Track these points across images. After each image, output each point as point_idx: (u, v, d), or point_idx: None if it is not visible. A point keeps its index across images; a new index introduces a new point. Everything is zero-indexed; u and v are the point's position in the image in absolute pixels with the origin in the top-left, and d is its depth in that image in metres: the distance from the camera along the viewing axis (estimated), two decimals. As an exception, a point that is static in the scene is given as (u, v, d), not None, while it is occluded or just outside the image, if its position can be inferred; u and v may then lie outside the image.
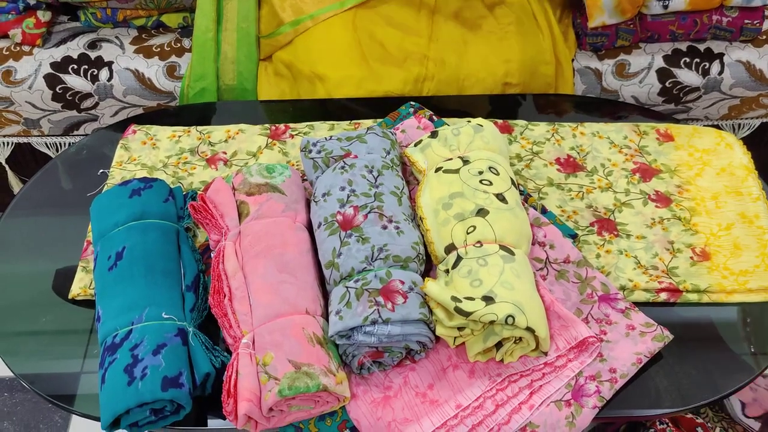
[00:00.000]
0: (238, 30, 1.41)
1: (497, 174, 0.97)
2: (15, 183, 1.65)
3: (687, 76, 1.46)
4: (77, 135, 1.54)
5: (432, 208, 0.95)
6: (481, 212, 0.92)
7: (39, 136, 1.55)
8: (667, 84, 1.46)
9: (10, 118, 1.50)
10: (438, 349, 0.91)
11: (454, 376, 0.89)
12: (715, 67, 1.46)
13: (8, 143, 1.57)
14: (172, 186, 1.11)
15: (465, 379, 0.89)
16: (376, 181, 0.97)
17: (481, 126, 1.03)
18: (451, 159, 1.00)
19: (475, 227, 0.91)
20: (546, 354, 0.89)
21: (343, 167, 0.98)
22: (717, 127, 1.59)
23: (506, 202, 0.94)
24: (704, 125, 1.57)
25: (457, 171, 0.97)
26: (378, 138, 1.03)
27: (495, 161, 0.99)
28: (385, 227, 0.91)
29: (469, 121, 1.05)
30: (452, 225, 0.93)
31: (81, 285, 1.00)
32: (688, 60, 1.46)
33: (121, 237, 0.96)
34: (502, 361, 0.89)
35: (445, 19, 1.34)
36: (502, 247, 0.90)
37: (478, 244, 0.90)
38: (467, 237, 0.91)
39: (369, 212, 0.92)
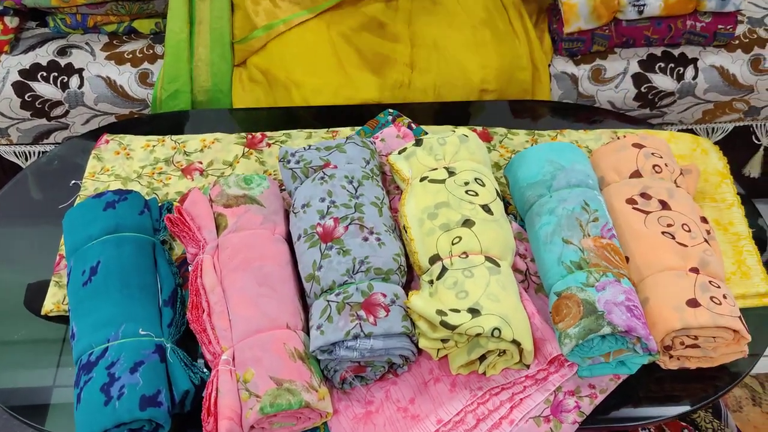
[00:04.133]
0: (211, 31, 1.39)
1: (483, 185, 0.96)
2: (-17, 192, 1.61)
3: (662, 81, 1.47)
4: (47, 143, 1.51)
5: (417, 217, 0.95)
6: (467, 223, 0.92)
7: (7, 144, 1.51)
8: (642, 89, 1.47)
9: (-23, 128, 1.47)
10: (420, 361, 0.91)
11: (435, 390, 0.89)
12: (690, 72, 1.48)
13: (-25, 153, 1.54)
14: (147, 197, 1.09)
15: (446, 392, 0.88)
16: (356, 191, 0.95)
17: (467, 136, 1.03)
18: (436, 169, 0.99)
19: (460, 238, 0.91)
20: (528, 367, 0.88)
21: (322, 178, 0.96)
22: (691, 131, 1.61)
23: (492, 214, 0.94)
24: (679, 129, 1.60)
25: (442, 181, 0.96)
26: (357, 147, 1.02)
27: (481, 172, 0.99)
28: (366, 239, 0.90)
29: (453, 131, 1.04)
30: (437, 235, 0.92)
31: (54, 300, 0.97)
32: (662, 65, 1.47)
33: (96, 251, 0.93)
34: (484, 373, 0.88)
35: (422, 25, 1.33)
36: (488, 259, 0.90)
37: (464, 255, 0.90)
38: (453, 247, 0.91)
39: (350, 224, 0.91)
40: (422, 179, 0.98)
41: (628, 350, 0.87)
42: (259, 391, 0.80)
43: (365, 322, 0.83)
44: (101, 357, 0.85)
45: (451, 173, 0.98)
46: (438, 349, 0.87)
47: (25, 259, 1.05)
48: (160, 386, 0.83)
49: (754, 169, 1.70)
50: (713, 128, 1.60)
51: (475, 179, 0.97)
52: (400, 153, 1.04)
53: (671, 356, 0.91)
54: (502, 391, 0.88)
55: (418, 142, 1.03)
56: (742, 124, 1.60)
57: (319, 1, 1.32)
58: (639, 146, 1.05)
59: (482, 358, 0.87)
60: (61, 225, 1.01)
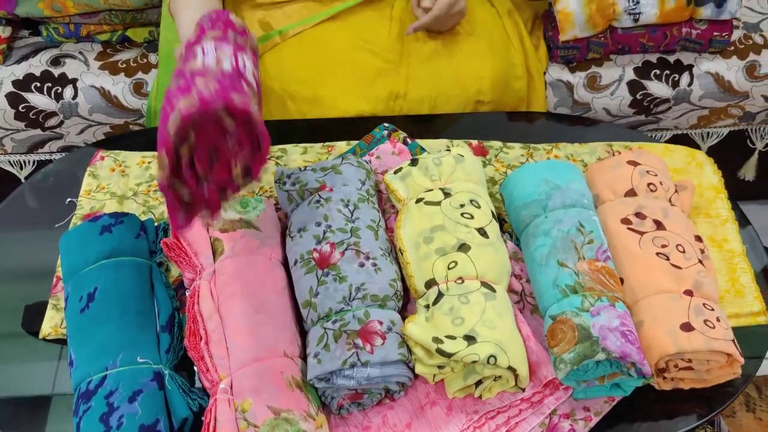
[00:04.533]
0: None
1: (478, 207, 0.97)
2: (-22, 201, 1.61)
3: (657, 88, 1.47)
4: (42, 153, 1.51)
5: (413, 241, 0.95)
6: (463, 247, 0.92)
7: (2, 154, 1.51)
8: (637, 96, 1.47)
9: (-29, 137, 1.47)
10: (416, 385, 0.91)
11: (431, 413, 0.89)
12: (685, 78, 1.48)
13: (-30, 162, 1.54)
14: (143, 215, 1.09)
15: (442, 416, 0.89)
16: (352, 215, 0.96)
17: (462, 156, 1.03)
18: (432, 190, 1.00)
19: (456, 263, 0.91)
20: (523, 390, 0.89)
21: (318, 201, 0.96)
22: (686, 136, 1.61)
23: (488, 237, 0.94)
24: (674, 135, 1.60)
25: (438, 203, 0.97)
26: (353, 168, 1.02)
27: (476, 194, 0.99)
28: (362, 265, 0.91)
29: (449, 149, 1.04)
30: (433, 260, 0.92)
31: (52, 324, 0.98)
32: (658, 72, 1.47)
33: (93, 277, 0.93)
34: (480, 397, 0.89)
35: (417, 35, 1.33)
36: (484, 284, 0.90)
37: (460, 281, 0.90)
38: (448, 272, 0.91)
39: (346, 249, 0.91)
40: (418, 200, 0.99)
41: (623, 374, 0.88)
42: (257, 420, 0.81)
43: (362, 350, 0.84)
44: (100, 386, 0.85)
45: (447, 194, 0.98)
46: (434, 374, 0.87)
47: (22, 279, 1.05)
48: (158, 415, 0.84)
49: (748, 172, 1.70)
50: (708, 133, 1.61)
51: (471, 201, 0.97)
52: (395, 173, 1.04)
53: (665, 378, 0.92)
54: (498, 414, 0.89)
55: (414, 162, 1.03)
56: (737, 128, 1.61)
57: (314, 12, 1.31)
58: (634, 164, 1.06)
59: (478, 382, 0.88)
60: (58, 245, 1.01)
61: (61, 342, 0.97)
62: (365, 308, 0.87)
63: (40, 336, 0.97)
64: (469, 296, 0.89)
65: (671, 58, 1.49)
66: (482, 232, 0.94)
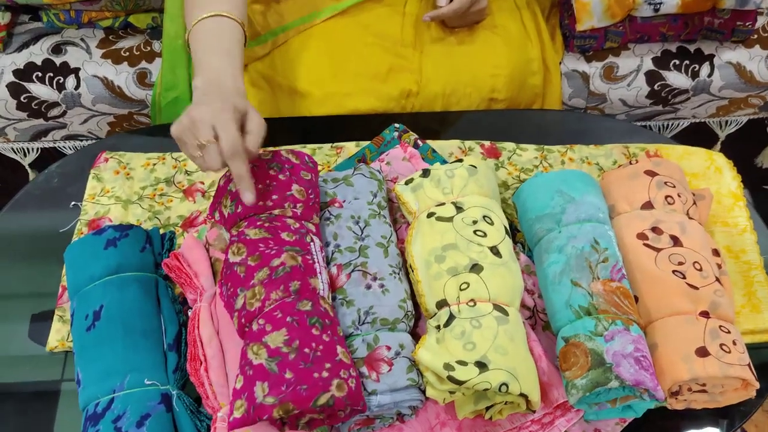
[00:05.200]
0: None
1: (491, 224, 0.94)
2: (-18, 187, 1.60)
3: (676, 79, 1.43)
4: (46, 141, 1.48)
5: (424, 259, 0.93)
6: (475, 268, 0.90)
7: (5, 142, 1.49)
8: (655, 87, 1.43)
9: (-27, 127, 1.44)
10: (427, 406, 0.90)
11: (442, 435, 0.89)
12: (705, 69, 1.43)
13: (-27, 149, 1.51)
14: (149, 221, 1.07)
15: (453, 437, 0.89)
16: (362, 232, 0.94)
17: (475, 168, 1.00)
18: (444, 204, 0.97)
19: (468, 284, 0.89)
20: (534, 412, 0.88)
21: (328, 219, 0.94)
22: (704, 125, 1.57)
23: (501, 256, 0.92)
24: (691, 123, 1.56)
25: (450, 219, 0.94)
26: (365, 179, 0.99)
27: (489, 208, 0.96)
28: (369, 287, 0.89)
29: (461, 160, 1.01)
30: (445, 280, 0.90)
31: (58, 337, 0.97)
32: (677, 62, 1.43)
33: (98, 294, 0.92)
34: (490, 418, 0.88)
35: (430, 29, 1.28)
36: (496, 307, 0.88)
37: (472, 303, 0.88)
38: (460, 294, 0.89)
39: (352, 271, 0.89)
40: (429, 215, 0.96)
41: (636, 397, 0.87)
42: (258, 452, 0.80)
43: (368, 379, 0.82)
44: (107, 409, 0.85)
45: (459, 209, 0.96)
46: (444, 398, 0.86)
47: (27, 286, 1.04)
48: (167, 439, 0.83)
49: (766, 159, 1.67)
50: (727, 121, 1.57)
51: (484, 217, 0.95)
52: (407, 183, 1.01)
53: (677, 399, 0.90)
54: (508, 436, 0.89)
55: (426, 173, 1.00)
56: (756, 117, 1.56)
57: (324, 6, 1.27)
58: (651, 174, 1.03)
59: (489, 406, 0.87)
60: (63, 251, 0.99)
61: (68, 354, 0.96)
62: (375, 332, 0.86)
63: (47, 349, 0.96)
64: (481, 320, 0.87)
65: (691, 48, 1.44)
66: (495, 251, 0.92)
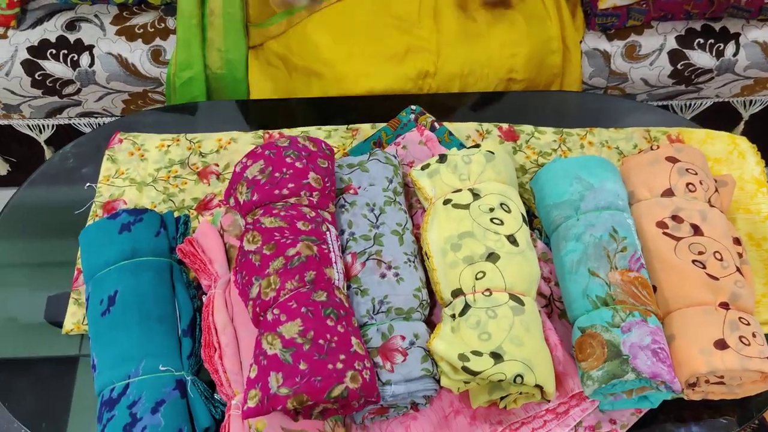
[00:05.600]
0: (224, 15, 1.31)
1: (509, 212, 0.93)
2: (0, 164, 1.60)
3: (700, 58, 1.39)
4: (61, 118, 1.48)
5: (440, 247, 0.92)
6: (492, 257, 0.89)
7: (20, 119, 1.48)
8: (678, 66, 1.40)
9: (-12, 104, 1.44)
10: (440, 394, 0.90)
11: (455, 423, 0.89)
12: (730, 48, 1.39)
13: (-11, 125, 1.51)
14: (163, 204, 1.07)
15: (466, 426, 0.88)
16: (377, 220, 0.93)
17: (493, 154, 0.98)
18: (460, 190, 0.96)
19: (484, 273, 0.88)
20: (549, 401, 0.88)
21: (343, 206, 0.93)
22: (727, 104, 1.53)
23: (517, 245, 0.90)
24: (714, 102, 1.52)
25: (467, 206, 0.93)
26: (380, 165, 0.98)
27: (506, 195, 0.95)
28: (383, 275, 0.88)
29: (478, 145, 1.00)
30: (461, 269, 0.89)
31: (74, 320, 0.97)
32: (701, 41, 1.39)
33: (113, 279, 0.92)
34: (505, 407, 0.88)
35: (449, 8, 1.25)
36: (512, 297, 0.87)
37: (488, 292, 0.87)
38: (476, 283, 0.88)
39: (367, 259, 0.89)
40: (446, 202, 0.95)
41: (652, 388, 0.86)
42: (271, 442, 0.80)
43: (382, 369, 0.82)
44: (123, 394, 0.85)
45: (476, 196, 0.94)
46: (459, 387, 0.86)
47: (43, 268, 1.05)
48: (181, 425, 0.84)
49: (790, 140, 1.63)
50: (751, 101, 1.53)
51: (501, 204, 0.93)
52: (423, 169, 1.00)
53: (694, 390, 0.90)
54: (522, 426, 0.88)
55: (442, 158, 0.99)
56: (781, 96, 1.53)
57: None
58: (673, 160, 1.01)
59: (503, 396, 0.86)
60: (78, 233, 0.99)
61: (83, 337, 0.97)
62: (389, 322, 0.86)
63: (63, 331, 0.97)
64: (496, 310, 0.86)
65: (716, 26, 1.40)
66: (512, 239, 0.91)
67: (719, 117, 1.55)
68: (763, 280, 1.01)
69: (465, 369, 0.82)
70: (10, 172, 1.63)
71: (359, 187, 0.96)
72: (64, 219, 1.07)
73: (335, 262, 0.85)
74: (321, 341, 0.77)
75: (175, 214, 1.04)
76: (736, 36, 1.39)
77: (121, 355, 0.87)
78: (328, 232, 0.87)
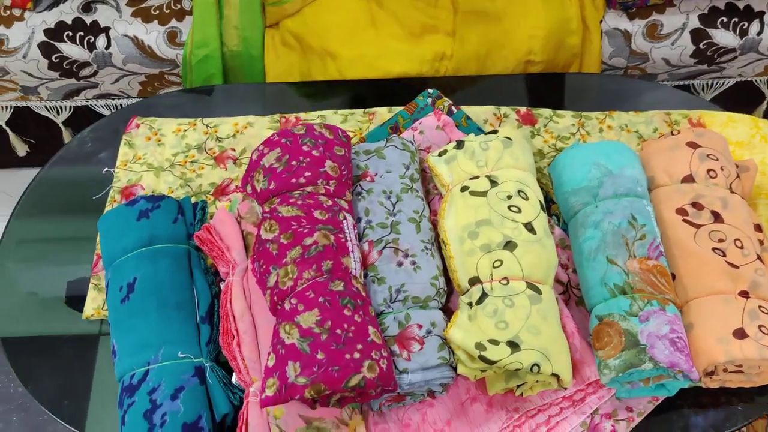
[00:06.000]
0: None
1: (526, 199, 0.92)
2: (18, 145, 1.61)
3: (723, 37, 1.37)
4: (78, 100, 1.48)
5: (457, 234, 0.91)
6: (509, 245, 0.88)
7: (38, 101, 1.49)
8: (701, 46, 1.37)
9: (5, 86, 1.44)
10: (457, 381, 0.90)
11: (472, 410, 0.89)
12: (755, 26, 1.36)
13: (7, 107, 1.51)
14: (180, 189, 1.07)
15: (482, 413, 0.89)
16: (394, 207, 0.92)
17: (510, 140, 0.97)
18: (478, 177, 0.95)
19: (501, 262, 0.88)
20: (566, 389, 0.88)
21: (360, 193, 0.93)
22: (750, 83, 1.51)
23: (535, 233, 0.90)
24: (737, 82, 1.50)
25: (484, 194, 0.92)
26: (397, 152, 0.98)
27: (524, 182, 0.94)
28: (400, 264, 0.88)
29: (496, 131, 0.99)
30: (478, 257, 0.89)
31: (94, 306, 0.98)
32: (725, 20, 1.36)
33: (132, 266, 0.93)
34: (521, 394, 0.88)
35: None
36: (529, 285, 0.87)
37: (505, 281, 0.87)
38: (493, 271, 0.88)
39: (384, 247, 0.89)
40: (463, 189, 0.94)
41: (669, 377, 0.86)
42: (288, 429, 0.81)
43: (399, 357, 0.82)
44: (143, 381, 0.86)
45: (494, 183, 0.94)
46: (475, 375, 0.86)
47: (63, 253, 1.05)
48: (200, 411, 0.85)
49: (814, 119, 1.60)
50: (775, 79, 1.50)
51: (519, 192, 0.93)
52: (440, 155, 0.99)
53: (712, 378, 0.89)
54: (539, 413, 0.88)
55: (460, 144, 0.98)
56: (806, 75, 1.50)
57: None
58: (694, 146, 0.99)
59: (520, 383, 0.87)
60: (97, 218, 1.00)
61: (104, 323, 0.98)
62: (406, 310, 0.86)
63: (83, 316, 0.98)
64: (513, 299, 0.86)
65: (740, 4, 1.37)
66: (529, 227, 0.90)
67: (741, 96, 1.53)
68: (783, 268, 1.00)
69: (482, 358, 0.82)
70: (28, 153, 1.64)
71: (376, 174, 0.95)
72: (82, 203, 1.08)
73: (352, 251, 0.85)
74: (338, 331, 0.78)
75: (192, 200, 1.05)
76: (760, 14, 1.36)
77: (140, 342, 0.88)
78: (345, 221, 0.87)
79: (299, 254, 0.83)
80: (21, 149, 1.62)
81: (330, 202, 0.88)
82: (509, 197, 0.92)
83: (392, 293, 0.86)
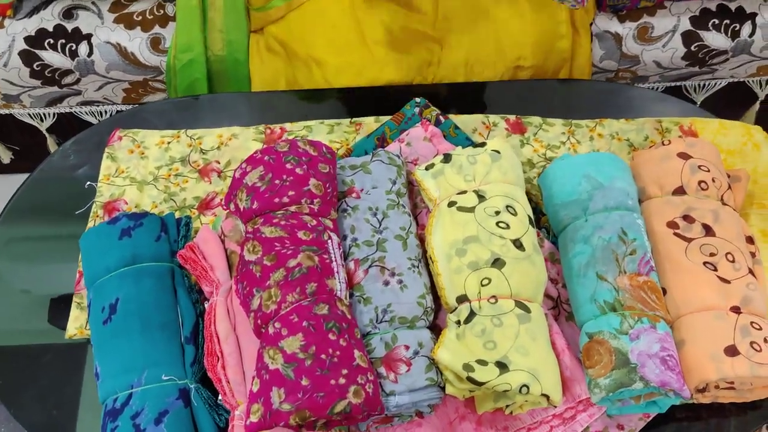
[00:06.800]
0: None
1: (515, 214, 0.90)
2: (2, 152, 1.58)
3: (715, 40, 1.35)
4: (61, 107, 1.46)
5: (444, 251, 0.90)
6: (497, 263, 0.87)
7: (21, 108, 1.46)
8: (692, 48, 1.35)
9: (-13, 94, 1.41)
10: (446, 400, 0.89)
11: (460, 429, 0.88)
12: (746, 28, 1.35)
13: (-10, 115, 1.49)
14: (164, 203, 1.05)
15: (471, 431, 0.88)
16: (380, 224, 0.91)
17: (498, 153, 0.95)
18: (465, 192, 0.93)
19: (490, 280, 0.86)
20: (555, 407, 0.87)
21: (345, 210, 0.91)
22: (742, 84, 1.49)
23: (523, 249, 0.88)
24: (729, 83, 1.48)
25: (472, 209, 0.91)
26: (383, 166, 0.96)
27: (513, 197, 0.92)
28: (387, 283, 0.87)
29: (484, 143, 0.97)
30: (466, 275, 0.87)
31: (77, 325, 0.97)
32: (716, 21, 1.34)
33: (114, 286, 0.91)
34: (511, 413, 0.87)
35: (453, -4, 1.22)
36: (518, 304, 0.86)
37: (493, 300, 0.86)
38: (481, 289, 0.86)
39: (370, 266, 0.87)
40: (450, 204, 0.93)
41: (661, 394, 0.85)
42: (273, 452, 0.80)
43: (386, 380, 0.81)
44: (126, 404, 0.85)
45: (482, 198, 0.92)
46: (464, 395, 0.85)
47: (45, 270, 1.04)
48: (185, 435, 0.83)
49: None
50: (767, 80, 1.49)
51: (507, 207, 0.91)
52: (427, 169, 0.97)
53: (704, 394, 0.88)
54: (528, 431, 0.87)
55: (447, 158, 0.96)
56: (799, 75, 1.48)
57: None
58: (685, 156, 0.98)
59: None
60: (80, 233, 0.98)
61: (87, 342, 0.96)
62: (393, 331, 0.84)
63: (66, 336, 0.96)
64: (502, 318, 0.84)
65: (732, 6, 1.35)
66: (518, 244, 0.89)
67: (734, 97, 1.51)
68: (776, 279, 0.98)
69: (470, 379, 0.80)
70: (12, 160, 1.61)
71: (362, 190, 0.94)
72: (65, 219, 1.06)
73: (337, 272, 0.84)
74: (323, 356, 0.76)
75: (177, 215, 1.03)
76: (752, 16, 1.35)
77: (123, 365, 0.87)
78: (329, 241, 0.85)
79: (283, 276, 0.81)
80: (5, 156, 1.59)
81: (314, 222, 0.86)
82: (497, 213, 0.90)
83: (378, 313, 0.85)
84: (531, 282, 0.88)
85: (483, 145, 0.97)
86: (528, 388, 0.80)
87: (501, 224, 0.90)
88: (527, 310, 0.86)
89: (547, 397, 0.82)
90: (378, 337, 0.84)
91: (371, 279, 0.87)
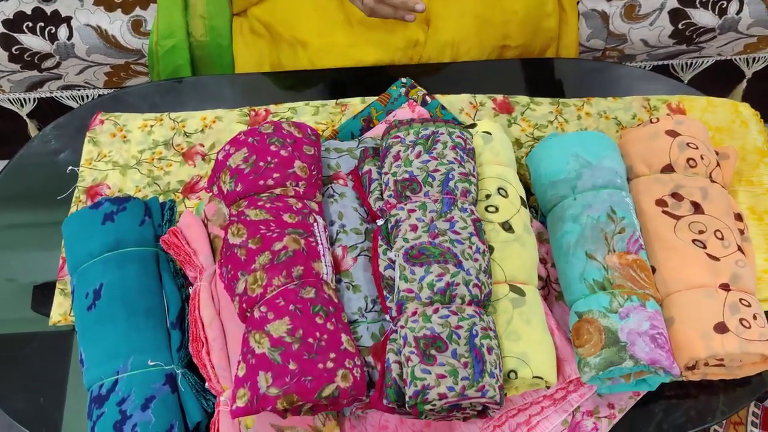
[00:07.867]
0: None
1: (506, 196, 0.89)
2: (-18, 139, 1.56)
3: (702, 17, 1.34)
4: (42, 92, 1.43)
5: None
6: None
7: (0, 93, 1.44)
8: (679, 26, 1.34)
9: (-35, 79, 1.39)
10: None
11: (451, 409, 0.87)
12: (734, 5, 1.34)
13: (-32, 99, 1.47)
14: (148, 187, 1.04)
15: (462, 413, 0.87)
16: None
17: (490, 134, 0.94)
18: None
19: None
20: (548, 387, 0.86)
21: (332, 196, 0.90)
22: (729, 62, 1.49)
23: (513, 231, 0.87)
24: (716, 61, 1.48)
25: None
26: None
27: (505, 179, 0.91)
28: None
29: (475, 125, 0.96)
30: None
31: (61, 312, 0.95)
32: (704, -1, 1.34)
33: (97, 272, 0.89)
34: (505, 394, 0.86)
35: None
36: (512, 288, 0.85)
37: None
38: None
39: (359, 254, 0.86)
40: (440, 188, 0.92)
41: (650, 372, 0.85)
42: (260, 438, 0.79)
43: (374, 369, 0.80)
44: (112, 391, 0.84)
45: (472, 182, 0.91)
46: (453, 377, 0.85)
47: (28, 256, 1.02)
48: (172, 420, 0.82)
49: (794, 97, 1.59)
50: (754, 58, 1.48)
51: (498, 189, 0.90)
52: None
53: (693, 372, 0.88)
54: (519, 413, 0.87)
55: (436, 140, 0.95)
56: (786, 53, 1.48)
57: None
58: (673, 134, 0.97)
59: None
60: (62, 219, 0.96)
61: (72, 329, 0.95)
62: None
63: (50, 323, 0.95)
64: (496, 305, 0.84)
65: (719, -18, 1.35)
66: (507, 226, 0.88)
67: (721, 75, 1.51)
68: (764, 255, 0.98)
69: (459, 366, 0.80)
70: (-7, 145, 1.59)
71: (348, 177, 0.92)
72: (46, 205, 1.04)
73: (323, 255, 0.82)
74: (310, 340, 0.75)
75: (161, 199, 1.02)
76: (740, -8, 1.34)
77: (108, 351, 0.86)
78: (315, 224, 0.84)
79: (268, 260, 0.80)
80: (-15, 143, 1.57)
81: (300, 205, 0.85)
82: (488, 196, 0.89)
83: (368, 303, 0.84)
84: (524, 264, 0.87)
85: (473, 126, 0.96)
86: (516, 373, 0.80)
87: (490, 208, 0.89)
88: (521, 293, 0.85)
89: (541, 378, 0.82)
90: (365, 326, 0.83)
91: (360, 267, 0.85)
